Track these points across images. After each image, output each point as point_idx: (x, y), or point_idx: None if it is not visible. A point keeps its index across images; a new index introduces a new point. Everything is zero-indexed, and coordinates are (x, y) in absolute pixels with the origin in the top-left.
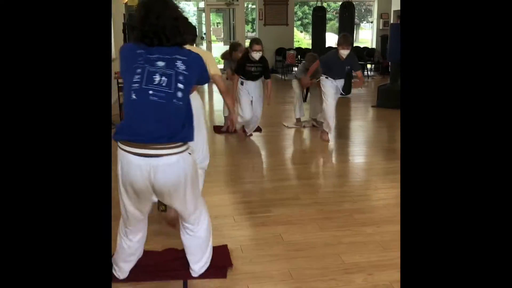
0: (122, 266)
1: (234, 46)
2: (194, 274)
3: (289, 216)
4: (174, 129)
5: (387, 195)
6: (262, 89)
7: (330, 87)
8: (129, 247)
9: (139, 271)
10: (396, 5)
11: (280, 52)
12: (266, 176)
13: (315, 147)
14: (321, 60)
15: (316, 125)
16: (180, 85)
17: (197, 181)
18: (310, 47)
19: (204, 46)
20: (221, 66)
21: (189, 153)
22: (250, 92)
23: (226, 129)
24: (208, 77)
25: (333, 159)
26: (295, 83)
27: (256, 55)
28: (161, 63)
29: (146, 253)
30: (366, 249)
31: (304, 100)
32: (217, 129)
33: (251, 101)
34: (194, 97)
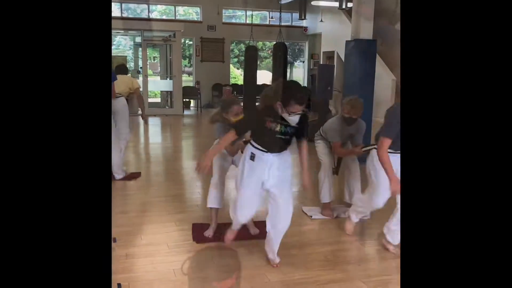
0: None
1: (224, 106)
2: None
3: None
4: None
5: (313, 221)
6: (290, 166)
7: (396, 170)
8: None
9: None
10: (325, 47)
11: (217, 87)
12: (200, 205)
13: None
14: (392, 130)
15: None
16: None
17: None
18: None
19: (140, 79)
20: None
21: None
22: (266, 174)
23: (213, 235)
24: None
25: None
26: (321, 147)
27: (293, 119)
28: None
29: None
30: (290, 269)
31: (336, 172)
32: (198, 234)
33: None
34: (120, 100)
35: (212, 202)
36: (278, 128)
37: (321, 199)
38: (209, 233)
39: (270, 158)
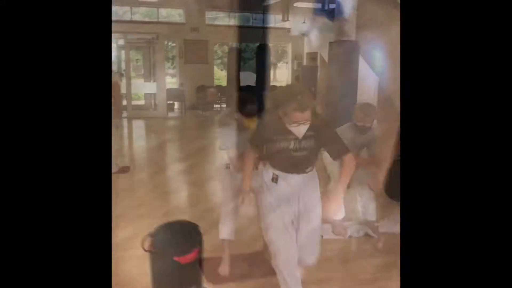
0: None
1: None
2: None
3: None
4: None
5: None
6: (317, 187)
7: None
8: None
9: None
10: (308, 48)
11: (201, 89)
12: (192, 203)
13: None
14: None
15: (373, 235)
16: None
17: None
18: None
19: (124, 82)
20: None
21: None
22: (292, 200)
23: (230, 272)
24: None
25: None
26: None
27: (297, 130)
28: None
29: None
30: None
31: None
32: (211, 272)
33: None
34: None
35: (225, 233)
36: (291, 146)
37: (332, 216)
38: (224, 271)
39: (295, 179)
